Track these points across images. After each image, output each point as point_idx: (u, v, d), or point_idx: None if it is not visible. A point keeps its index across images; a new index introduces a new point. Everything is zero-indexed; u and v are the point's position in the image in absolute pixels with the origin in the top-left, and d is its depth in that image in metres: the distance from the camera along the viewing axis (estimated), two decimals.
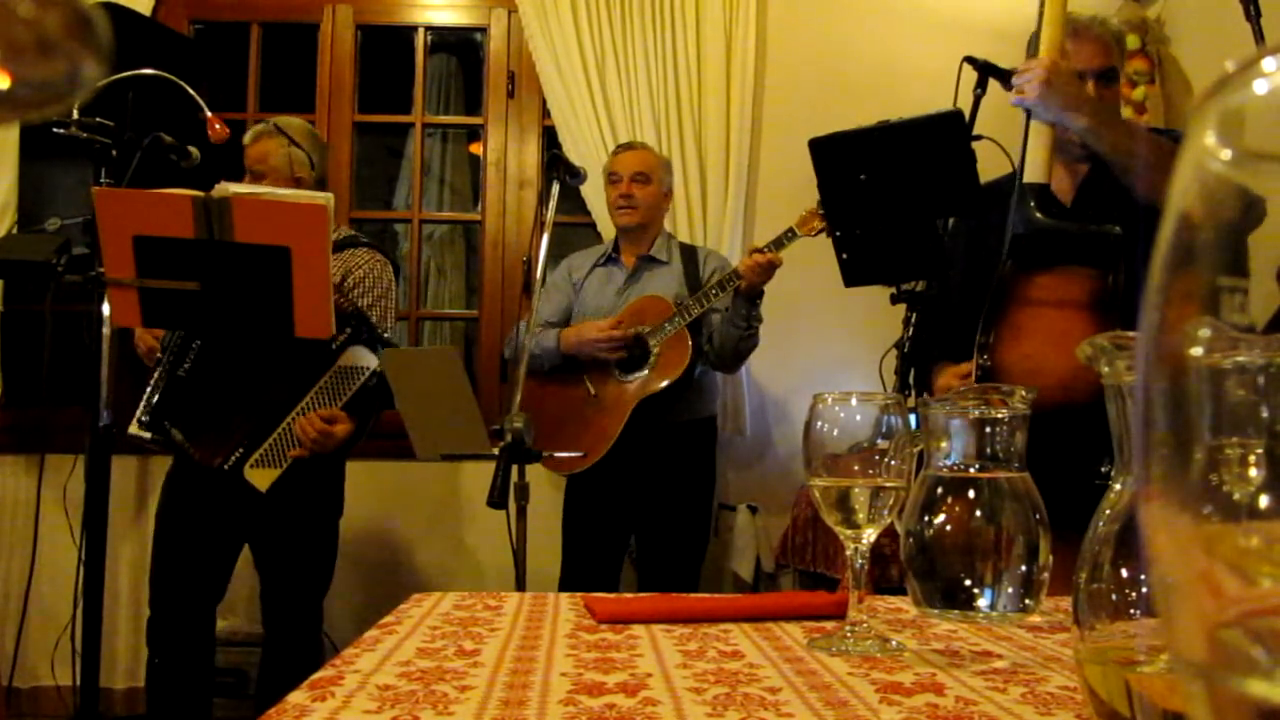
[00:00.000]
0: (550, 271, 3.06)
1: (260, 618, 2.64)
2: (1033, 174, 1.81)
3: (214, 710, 2.67)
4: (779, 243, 2.71)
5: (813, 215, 2.71)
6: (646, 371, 2.84)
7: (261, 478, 2.40)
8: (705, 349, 2.89)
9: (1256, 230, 0.21)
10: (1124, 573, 0.54)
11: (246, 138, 2.64)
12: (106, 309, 2.22)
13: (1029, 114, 1.85)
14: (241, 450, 2.39)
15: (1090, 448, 1.60)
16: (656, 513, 2.86)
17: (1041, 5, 1.84)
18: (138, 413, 2.45)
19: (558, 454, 2.74)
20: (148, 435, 2.41)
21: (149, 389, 2.43)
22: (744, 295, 2.74)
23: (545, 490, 3.12)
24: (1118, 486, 0.56)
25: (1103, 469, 1.66)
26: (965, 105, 1.95)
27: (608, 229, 3.37)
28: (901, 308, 1.97)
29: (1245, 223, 0.19)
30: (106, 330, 2.25)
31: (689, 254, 3.01)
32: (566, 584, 2.84)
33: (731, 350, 2.83)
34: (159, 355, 2.44)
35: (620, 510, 2.87)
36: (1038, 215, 1.77)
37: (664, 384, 2.81)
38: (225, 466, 2.37)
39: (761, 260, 2.69)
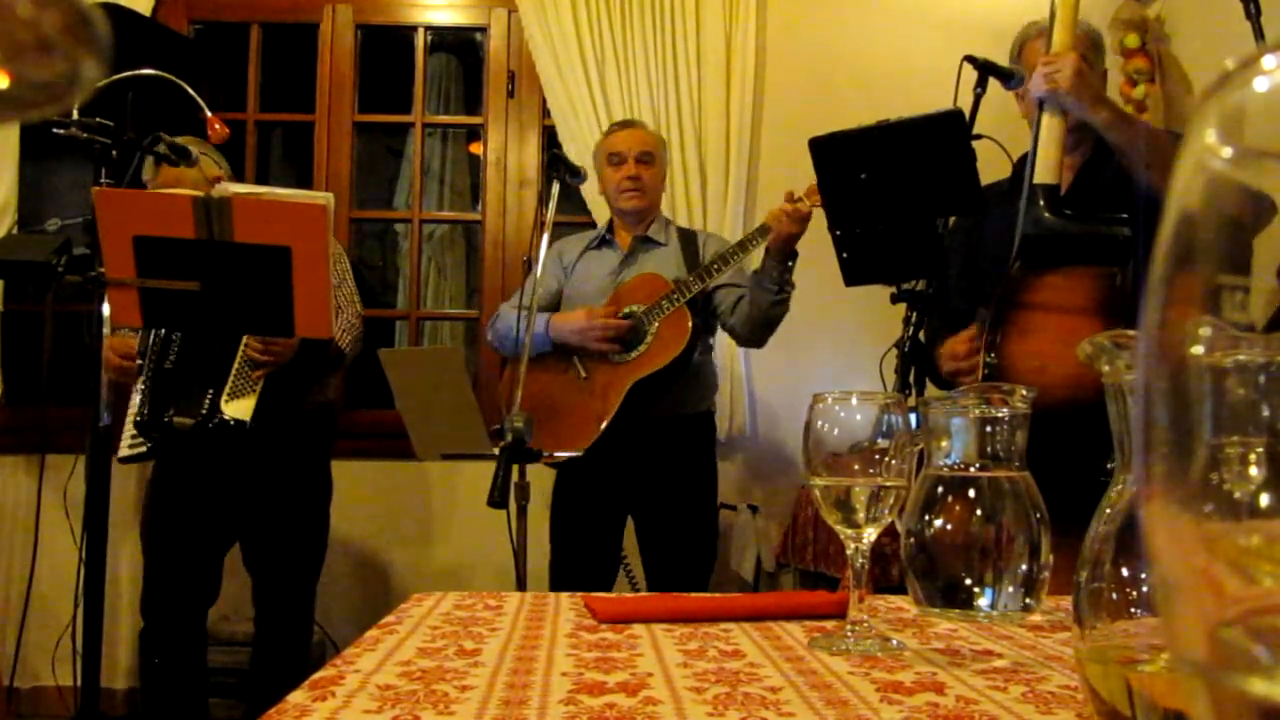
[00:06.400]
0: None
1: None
2: (1043, 174, 1.82)
3: (211, 710, 2.68)
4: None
5: None
6: (641, 351, 2.64)
7: (240, 408, 2.41)
8: (729, 322, 2.70)
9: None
10: (1125, 571, 0.54)
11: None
12: (106, 309, 2.22)
13: (1040, 113, 1.86)
14: (211, 392, 2.40)
15: (1097, 445, 1.61)
16: (658, 514, 2.72)
17: (1053, 6, 1.88)
18: (126, 435, 2.48)
19: (558, 453, 2.62)
20: (144, 449, 2.46)
21: (139, 398, 2.43)
22: (775, 253, 2.52)
23: (546, 489, 3.11)
24: (1119, 485, 0.56)
25: (1109, 465, 1.67)
26: (965, 104, 1.95)
27: (604, 220, 3.34)
28: (901, 307, 1.98)
29: (1253, 222, 0.19)
30: (107, 330, 2.25)
31: (687, 237, 2.85)
32: (558, 583, 2.69)
33: (762, 316, 2.59)
34: (139, 363, 2.44)
35: (613, 507, 2.73)
36: (1047, 216, 1.78)
37: (660, 365, 2.61)
38: (203, 412, 2.38)
39: (789, 208, 2.44)
